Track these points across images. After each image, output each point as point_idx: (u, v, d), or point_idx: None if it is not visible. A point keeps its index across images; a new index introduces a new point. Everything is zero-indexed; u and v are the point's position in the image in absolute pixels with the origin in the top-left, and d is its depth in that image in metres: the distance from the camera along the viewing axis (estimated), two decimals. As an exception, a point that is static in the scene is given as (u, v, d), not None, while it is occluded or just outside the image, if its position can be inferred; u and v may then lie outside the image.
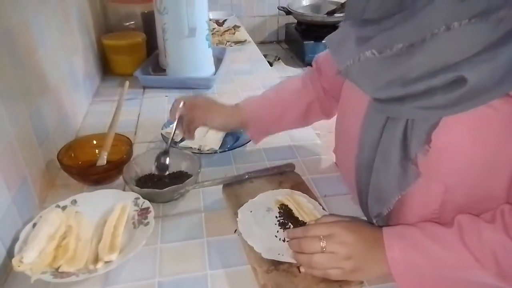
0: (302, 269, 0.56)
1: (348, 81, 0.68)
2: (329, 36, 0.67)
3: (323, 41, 1.90)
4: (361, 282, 0.57)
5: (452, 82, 0.47)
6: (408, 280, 0.53)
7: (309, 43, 1.90)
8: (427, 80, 0.49)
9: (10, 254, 0.61)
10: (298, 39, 1.99)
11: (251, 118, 0.82)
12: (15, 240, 0.62)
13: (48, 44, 0.87)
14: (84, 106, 1.13)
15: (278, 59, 2.02)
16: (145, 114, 1.11)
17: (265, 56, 1.63)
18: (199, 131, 0.92)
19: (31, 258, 0.56)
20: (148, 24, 1.42)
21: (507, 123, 0.48)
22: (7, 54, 0.67)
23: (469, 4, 0.44)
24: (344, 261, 0.55)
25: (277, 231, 0.64)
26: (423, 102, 0.50)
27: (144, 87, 1.26)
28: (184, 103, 0.81)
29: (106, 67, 1.38)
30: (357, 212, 0.70)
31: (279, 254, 0.59)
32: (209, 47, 1.26)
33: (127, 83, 0.95)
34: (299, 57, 2.00)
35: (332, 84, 0.81)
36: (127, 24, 1.49)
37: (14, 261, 0.55)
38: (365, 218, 0.68)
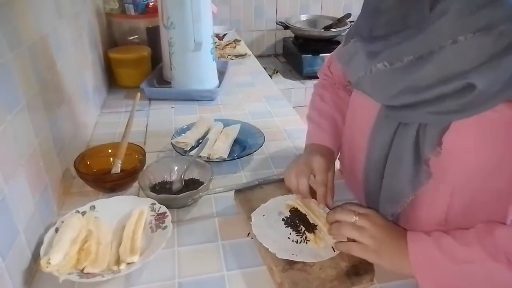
0: (333, 242, 0.63)
1: (356, 92, 0.73)
2: (338, 52, 0.71)
3: (320, 55, 1.96)
4: (371, 280, 0.60)
5: (462, 88, 0.52)
6: (425, 273, 0.56)
7: (307, 57, 1.96)
8: (439, 87, 0.53)
9: (34, 257, 0.64)
10: (296, 53, 2.05)
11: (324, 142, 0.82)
12: (38, 243, 0.65)
13: (64, 58, 0.91)
14: (94, 117, 1.16)
15: (277, 72, 2.08)
16: (153, 125, 1.14)
17: (264, 69, 1.68)
18: (209, 142, 0.96)
19: (57, 260, 0.59)
20: (152, 38, 1.47)
21: (511, 127, 0.52)
22: (32, 68, 0.70)
23: (472, 20, 0.50)
24: (369, 238, 0.59)
25: (290, 233, 0.67)
26: (435, 108, 0.55)
27: (150, 99, 1.30)
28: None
29: (111, 80, 1.42)
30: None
31: (293, 254, 0.62)
32: (213, 61, 1.31)
33: (138, 94, 0.99)
34: (297, 70, 2.06)
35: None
36: (131, 38, 1.54)
37: (42, 262, 0.58)
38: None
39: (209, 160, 0.91)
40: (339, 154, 0.89)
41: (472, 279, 0.54)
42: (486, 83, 0.50)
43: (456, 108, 0.53)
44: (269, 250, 0.63)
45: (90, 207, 0.73)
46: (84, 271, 0.60)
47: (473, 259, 0.53)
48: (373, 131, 0.66)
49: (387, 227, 0.61)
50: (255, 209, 0.73)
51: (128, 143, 0.89)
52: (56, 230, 0.66)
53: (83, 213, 0.71)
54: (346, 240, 0.63)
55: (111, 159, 0.87)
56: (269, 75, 1.67)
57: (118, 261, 0.62)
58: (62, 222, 0.68)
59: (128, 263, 0.61)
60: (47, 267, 0.58)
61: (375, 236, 0.60)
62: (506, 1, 0.48)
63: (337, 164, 0.93)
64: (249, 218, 0.70)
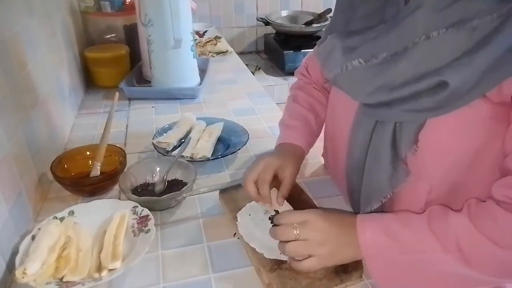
0: (288, 263, 0.58)
1: (335, 88, 0.72)
2: (317, 49, 0.70)
3: (302, 51, 1.95)
4: (360, 276, 0.59)
5: (435, 86, 0.51)
6: (377, 263, 0.55)
7: (288, 53, 1.95)
8: (412, 85, 0.53)
9: (9, 268, 0.61)
10: (277, 49, 2.04)
11: (296, 139, 0.78)
12: (13, 253, 0.62)
13: (37, 57, 0.87)
14: (71, 119, 1.12)
15: (259, 68, 2.06)
16: (133, 125, 1.11)
17: (246, 65, 1.66)
18: (192, 141, 0.93)
19: (34, 270, 0.56)
20: (130, 36, 1.43)
21: (486, 121, 0.52)
22: (1, 67, 0.67)
23: (445, 15, 0.49)
24: (318, 247, 0.56)
25: None
26: (410, 106, 0.54)
27: (130, 99, 1.27)
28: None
29: (89, 80, 1.38)
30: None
31: (280, 253, 0.60)
32: (194, 58, 1.28)
33: (117, 94, 0.95)
34: (279, 67, 2.04)
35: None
36: (108, 36, 1.50)
37: (18, 273, 0.55)
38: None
39: (192, 160, 0.88)
40: (323, 150, 0.88)
41: (421, 268, 0.53)
42: (459, 80, 0.49)
43: (431, 105, 0.52)
44: (256, 250, 0.61)
45: (69, 212, 0.70)
46: (64, 280, 0.57)
47: (423, 248, 0.52)
48: (353, 128, 0.65)
49: (331, 226, 0.57)
50: (240, 209, 0.71)
51: (108, 144, 0.86)
52: (33, 237, 0.63)
53: (61, 219, 0.68)
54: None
55: (90, 161, 0.84)
56: (251, 72, 1.65)
57: (99, 268, 0.60)
58: (39, 229, 0.65)
59: (110, 270, 0.59)
60: (23, 277, 0.54)
61: (323, 241, 0.56)
62: None
63: (322, 160, 0.92)
64: (235, 218, 0.69)
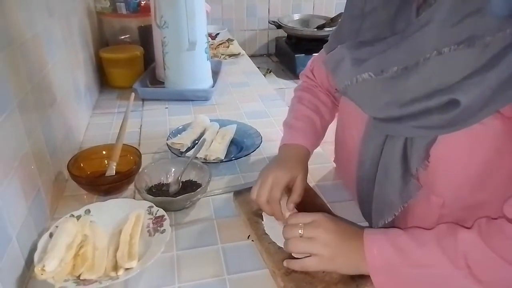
0: (284, 263, 0.59)
1: (345, 98, 0.71)
2: (324, 56, 0.70)
3: (313, 54, 1.95)
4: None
5: (446, 103, 0.50)
6: (383, 276, 0.54)
7: (300, 56, 1.96)
8: (423, 101, 0.52)
9: (28, 264, 0.61)
10: (289, 52, 2.04)
11: (300, 141, 0.77)
12: (31, 250, 0.62)
13: (56, 57, 0.89)
14: (86, 118, 1.13)
15: (270, 71, 2.07)
16: (147, 125, 1.12)
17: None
18: (205, 143, 0.94)
19: (52, 267, 0.57)
20: (145, 37, 1.45)
21: (498, 136, 0.51)
22: (23, 67, 0.68)
23: (456, 31, 0.48)
24: (321, 247, 0.56)
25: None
26: (420, 122, 0.53)
27: (143, 100, 1.28)
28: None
29: (103, 80, 1.39)
30: (362, 217, 0.73)
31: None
32: (207, 60, 1.29)
33: (132, 94, 0.96)
34: (290, 70, 2.05)
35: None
36: (123, 37, 1.52)
37: (37, 270, 0.56)
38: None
39: (206, 161, 0.89)
40: (335, 156, 0.88)
41: (428, 283, 0.52)
42: (471, 98, 0.48)
43: (441, 123, 0.51)
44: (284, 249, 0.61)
45: (85, 211, 0.70)
46: (81, 278, 0.58)
47: (431, 263, 0.51)
48: (363, 140, 0.65)
49: (338, 230, 0.58)
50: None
51: (123, 144, 0.87)
52: (51, 235, 0.64)
53: (78, 217, 0.69)
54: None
55: (106, 161, 0.85)
56: (263, 74, 1.66)
57: (115, 267, 0.60)
58: (57, 227, 0.65)
59: (126, 269, 0.59)
60: (41, 274, 0.55)
61: (327, 243, 0.56)
62: (490, 11, 0.46)
63: (334, 164, 0.92)
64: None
